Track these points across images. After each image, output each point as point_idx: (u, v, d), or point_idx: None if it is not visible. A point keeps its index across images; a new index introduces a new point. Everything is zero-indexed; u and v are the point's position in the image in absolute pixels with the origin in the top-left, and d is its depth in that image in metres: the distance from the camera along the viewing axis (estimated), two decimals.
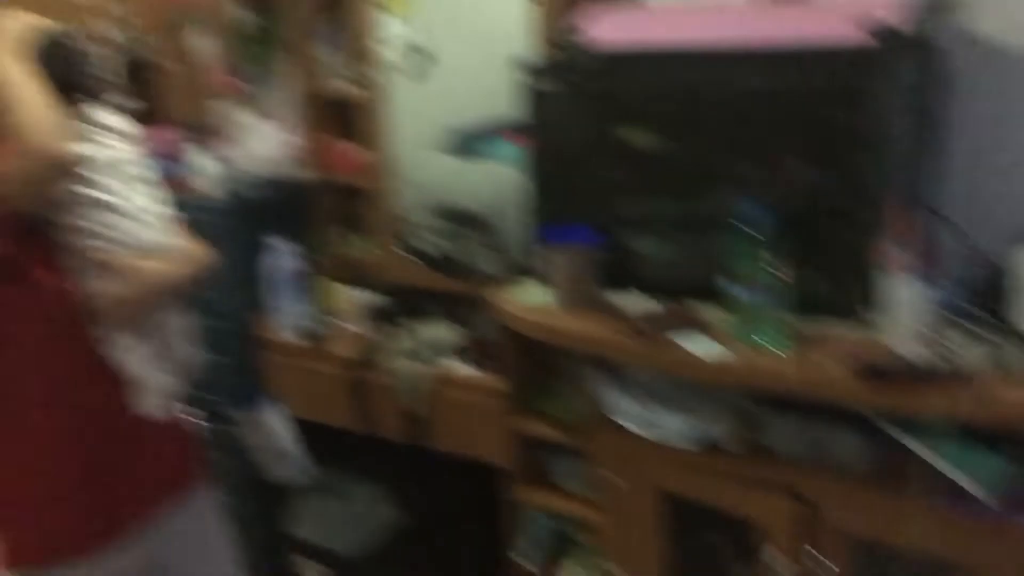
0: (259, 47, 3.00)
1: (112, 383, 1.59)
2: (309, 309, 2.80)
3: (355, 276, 2.90)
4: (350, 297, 2.86)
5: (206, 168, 2.78)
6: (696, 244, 1.99)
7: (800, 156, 1.85)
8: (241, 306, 2.73)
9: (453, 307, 2.72)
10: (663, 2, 2.14)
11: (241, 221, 2.72)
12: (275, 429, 2.71)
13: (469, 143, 2.66)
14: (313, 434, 2.78)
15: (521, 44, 2.30)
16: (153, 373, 1.61)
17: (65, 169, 1.47)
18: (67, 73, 1.54)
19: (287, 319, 2.77)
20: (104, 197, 1.55)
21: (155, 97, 2.98)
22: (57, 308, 1.53)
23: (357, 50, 2.66)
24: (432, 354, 2.54)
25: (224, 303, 2.30)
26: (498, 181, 2.56)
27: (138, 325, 1.60)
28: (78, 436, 1.57)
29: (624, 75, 2.02)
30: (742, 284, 1.78)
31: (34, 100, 1.45)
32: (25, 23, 1.53)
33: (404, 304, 2.80)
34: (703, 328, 1.86)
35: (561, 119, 2.12)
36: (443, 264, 2.63)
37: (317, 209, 2.90)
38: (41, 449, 1.56)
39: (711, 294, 1.93)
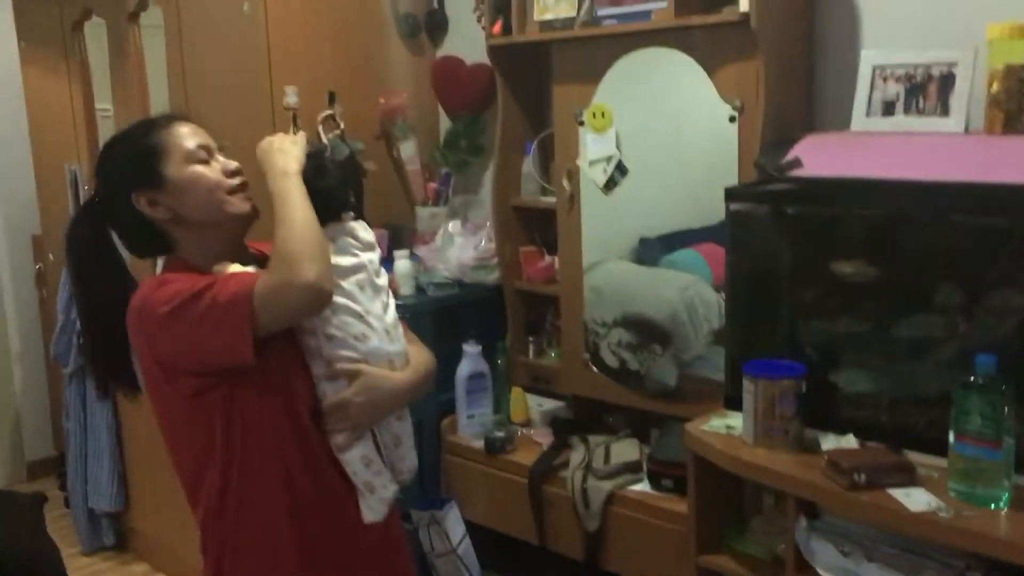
0: (463, 155, 3.11)
1: (339, 488, 1.63)
2: (492, 415, 2.81)
3: (540, 384, 2.90)
4: (534, 405, 2.86)
5: (405, 270, 2.87)
6: (909, 386, 1.88)
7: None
8: (429, 408, 2.79)
9: (637, 423, 2.67)
10: (876, 126, 2.05)
11: (433, 323, 2.79)
12: (451, 532, 2.72)
13: (658, 253, 2.65)
14: (490, 541, 2.77)
15: (721, 162, 2.28)
16: (378, 479, 1.64)
17: (322, 301, 1.52)
18: (328, 188, 1.62)
19: (471, 423, 2.79)
20: (350, 305, 1.61)
21: (360, 199, 3.12)
22: (298, 411, 1.59)
23: (555, 162, 2.71)
24: (612, 470, 2.49)
25: (414, 404, 2.34)
26: (686, 292, 2.52)
27: (368, 431, 1.65)
28: (302, 534, 1.62)
29: (832, 202, 1.97)
30: (962, 434, 1.66)
31: (302, 223, 1.51)
32: (297, 141, 1.64)
33: (587, 416, 2.77)
34: (915, 478, 1.74)
35: (762, 243, 2.08)
36: (628, 377, 2.60)
37: (506, 315, 2.94)
38: (269, 548, 1.61)
39: (925, 441, 1.82)
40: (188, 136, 1.61)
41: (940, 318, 1.85)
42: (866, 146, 1.99)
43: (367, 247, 1.67)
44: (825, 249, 1.98)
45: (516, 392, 2.85)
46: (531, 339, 2.96)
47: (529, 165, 2.86)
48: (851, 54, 2.26)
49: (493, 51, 2.76)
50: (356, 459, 1.62)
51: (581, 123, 2.58)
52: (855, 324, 1.96)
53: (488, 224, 2.98)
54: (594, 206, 2.62)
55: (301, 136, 1.67)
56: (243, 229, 1.67)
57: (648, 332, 2.56)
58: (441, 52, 3.25)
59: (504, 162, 2.88)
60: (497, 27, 2.70)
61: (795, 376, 1.92)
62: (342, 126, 2.72)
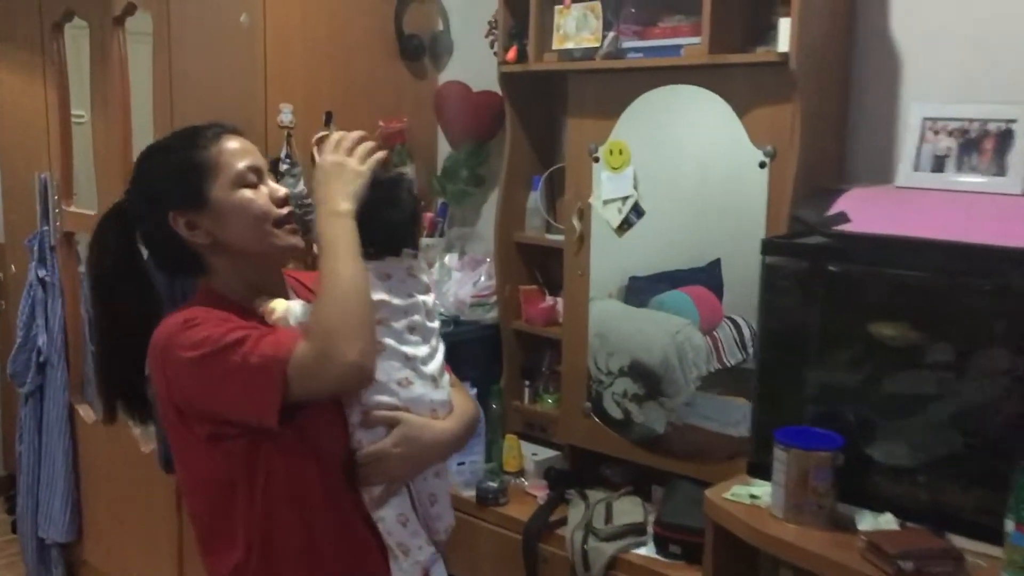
0: (463, 186, 2.97)
1: (370, 553, 1.48)
2: (484, 463, 2.64)
3: (535, 432, 2.74)
4: (527, 454, 2.70)
5: None
6: (953, 463, 1.75)
7: None
8: None
9: (635, 476, 2.52)
10: (924, 181, 1.93)
11: None
12: None
13: (647, 293, 2.50)
14: None
15: (746, 209, 2.16)
16: (414, 541, 1.49)
17: (362, 380, 1.38)
18: (399, 222, 1.49)
19: (461, 471, 2.61)
20: (398, 348, 1.47)
21: None
22: (330, 465, 1.44)
23: (565, 199, 2.57)
24: (614, 531, 2.33)
25: None
26: (677, 336, 2.39)
27: (404, 487, 1.50)
28: None
29: (880, 261, 1.84)
30: (1022, 523, 1.52)
31: (348, 282, 1.36)
32: (364, 172, 1.45)
33: (584, 467, 2.61)
34: (964, 568, 1.60)
35: (797, 300, 1.95)
36: (630, 429, 2.45)
37: (504, 357, 2.78)
38: None
39: (970, 525, 1.69)
40: (239, 155, 1.45)
41: (990, 390, 1.72)
42: (916, 203, 1.87)
43: (424, 289, 1.52)
44: (866, 310, 1.86)
45: (510, 440, 2.69)
46: (527, 383, 2.80)
47: (535, 200, 2.71)
48: (889, 103, 2.15)
49: (505, 79, 2.61)
50: (391, 517, 1.47)
51: (596, 159, 2.44)
52: (895, 392, 1.83)
53: (488, 260, 2.82)
54: (603, 247, 2.48)
55: (373, 160, 1.47)
56: (286, 262, 1.54)
57: (653, 384, 2.41)
58: (444, 77, 3.11)
59: (508, 195, 2.73)
60: (512, 54, 2.56)
61: (832, 448, 1.78)
62: None
